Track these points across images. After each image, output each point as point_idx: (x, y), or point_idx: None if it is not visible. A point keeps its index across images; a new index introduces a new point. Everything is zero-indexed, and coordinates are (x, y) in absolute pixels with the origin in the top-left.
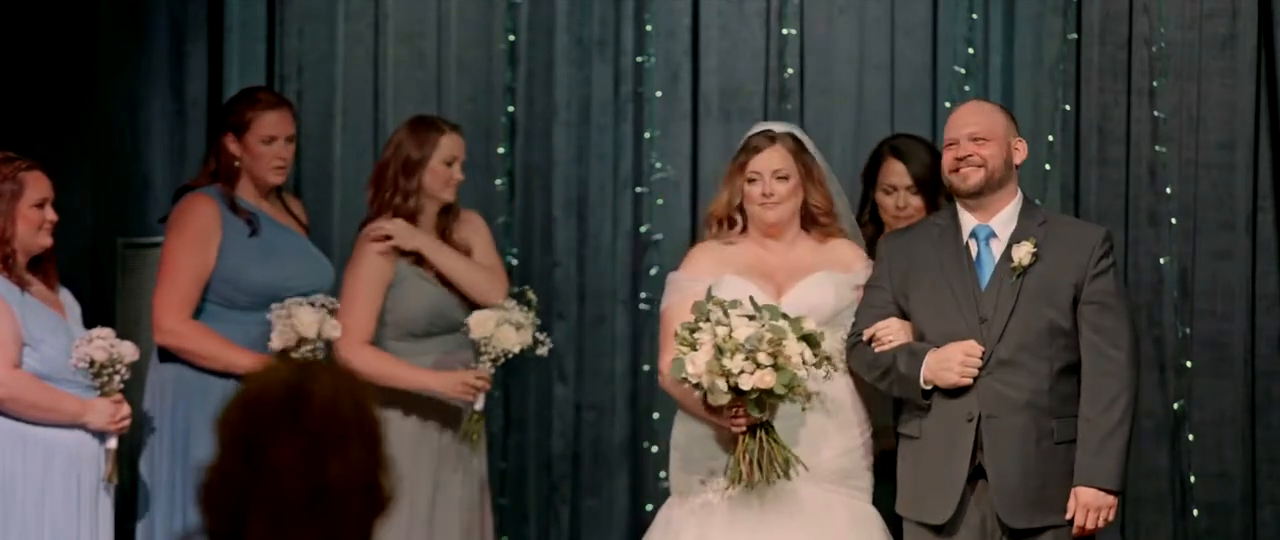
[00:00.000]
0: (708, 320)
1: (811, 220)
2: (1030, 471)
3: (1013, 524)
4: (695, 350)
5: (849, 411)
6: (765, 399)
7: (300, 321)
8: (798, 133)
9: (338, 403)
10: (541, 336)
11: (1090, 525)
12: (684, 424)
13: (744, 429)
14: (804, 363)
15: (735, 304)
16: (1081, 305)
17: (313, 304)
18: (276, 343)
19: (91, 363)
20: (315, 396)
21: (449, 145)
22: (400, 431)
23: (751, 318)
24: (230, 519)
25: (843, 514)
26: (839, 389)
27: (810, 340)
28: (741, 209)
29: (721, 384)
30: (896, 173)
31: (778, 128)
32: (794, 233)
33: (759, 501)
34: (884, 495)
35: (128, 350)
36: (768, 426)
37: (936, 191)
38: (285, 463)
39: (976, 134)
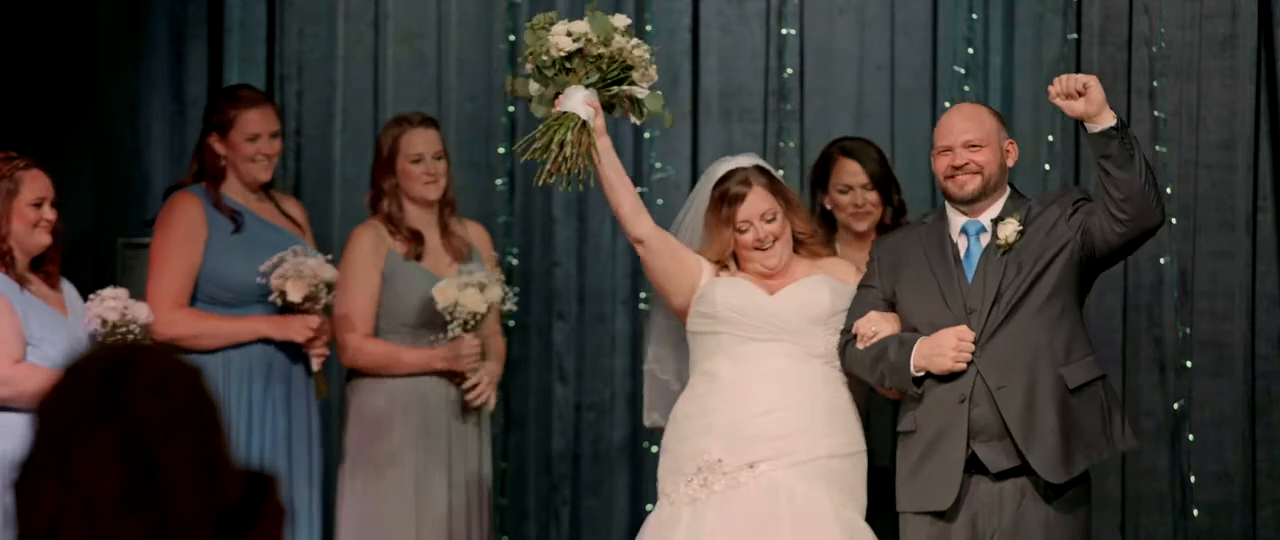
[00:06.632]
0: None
1: (799, 244)
2: (1053, 426)
3: (1055, 480)
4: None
5: (842, 417)
6: (603, 60)
7: (308, 267)
8: (762, 163)
9: (164, 388)
10: (509, 291)
11: (1070, 85)
12: (673, 426)
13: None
14: (617, 31)
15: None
16: (1078, 217)
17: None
18: (295, 294)
19: (103, 322)
20: (137, 382)
21: (409, 143)
22: (378, 402)
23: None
24: (43, 520)
25: (829, 512)
26: (833, 394)
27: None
28: (733, 256)
29: (562, 42)
30: (850, 172)
31: (742, 162)
32: (788, 261)
33: (747, 496)
34: (883, 524)
35: (141, 312)
36: (586, 127)
37: (890, 187)
38: (98, 455)
39: (971, 141)
